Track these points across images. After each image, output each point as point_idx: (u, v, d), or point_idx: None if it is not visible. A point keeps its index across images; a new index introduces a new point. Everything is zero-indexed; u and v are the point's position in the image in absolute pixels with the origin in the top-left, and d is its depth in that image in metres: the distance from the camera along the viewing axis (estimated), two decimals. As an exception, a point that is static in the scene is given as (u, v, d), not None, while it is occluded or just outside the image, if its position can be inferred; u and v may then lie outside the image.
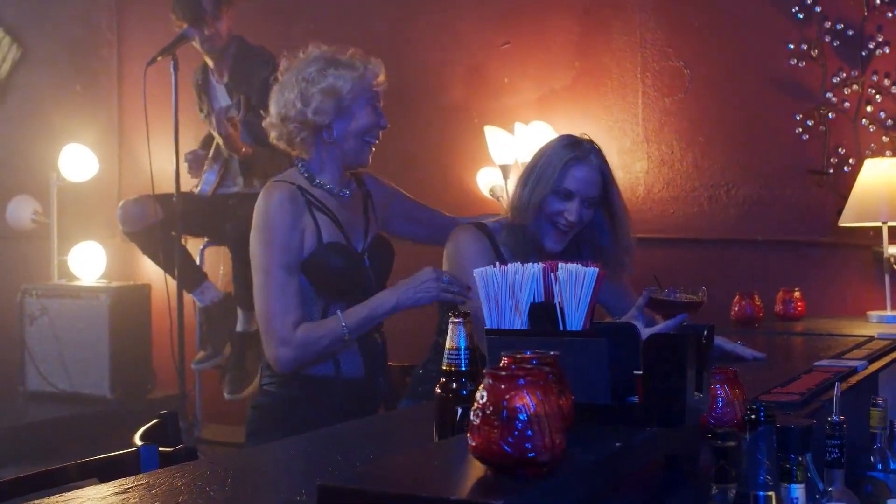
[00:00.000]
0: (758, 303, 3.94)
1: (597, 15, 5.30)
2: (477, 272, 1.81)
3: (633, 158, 5.18)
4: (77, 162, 6.22)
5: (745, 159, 4.94)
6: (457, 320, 1.89)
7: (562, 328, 1.77)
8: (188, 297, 5.22)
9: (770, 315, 4.03)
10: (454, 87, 5.62)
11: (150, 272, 5.68)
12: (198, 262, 5.35)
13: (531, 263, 1.80)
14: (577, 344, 1.73)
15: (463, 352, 1.89)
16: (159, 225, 5.03)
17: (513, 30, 5.48)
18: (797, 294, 4.12)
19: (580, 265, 1.81)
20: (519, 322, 1.79)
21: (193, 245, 5.44)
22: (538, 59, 5.40)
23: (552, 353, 1.55)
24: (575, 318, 1.78)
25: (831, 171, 4.72)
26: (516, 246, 3.15)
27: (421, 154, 5.59)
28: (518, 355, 1.52)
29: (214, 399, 5.22)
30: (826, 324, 4.04)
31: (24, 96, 6.74)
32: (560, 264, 1.82)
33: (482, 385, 1.40)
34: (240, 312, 5.06)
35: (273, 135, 3.18)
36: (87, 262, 6.15)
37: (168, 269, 5.06)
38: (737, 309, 3.97)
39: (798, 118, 4.75)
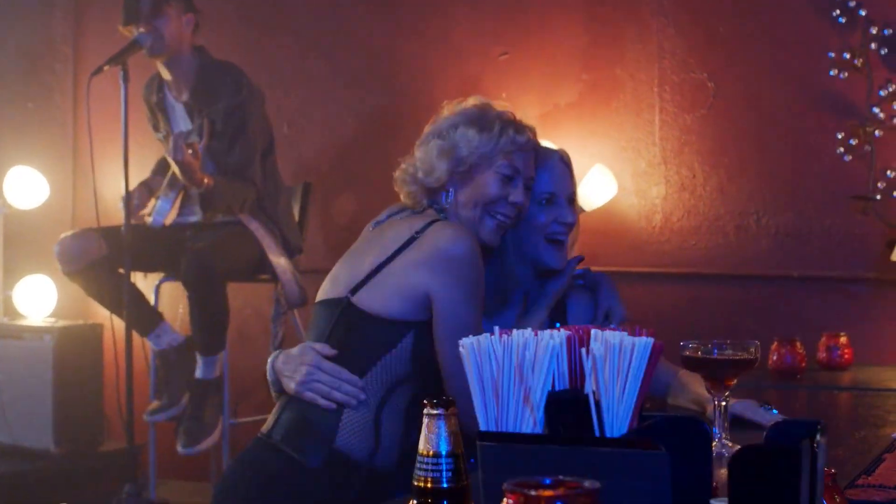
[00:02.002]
0: (800, 350, 3.55)
1: (607, 21, 4.86)
2: (466, 343, 1.17)
3: (649, 183, 4.75)
4: (25, 186, 5.65)
5: (777, 184, 4.60)
6: (435, 412, 1.27)
7: (598, 432, 1.12)
8: (140, 340, 4.71)
9: (811, 364, 3.66)
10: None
11: (107, 310, 5.13)
12: (153, 301, 4.80)
13: (549, 331, 1.16)
14: (624, 459, 1.08)
15: (444, 460, 1.27)
16: (103, 261, 4.51)
17: (512, 39, 5.04)
18: (843, 339, 3.72)
19: (622, 331, 1.17)
20: (530, 421, 1.14)
21: (151, 281, 4.89)
22: (541, 71, 4.97)
23: (588, 482, 0.91)
24: (618, 415, 1.13)
25: (878, 196, 4.45)
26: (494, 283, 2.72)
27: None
28: (531, 486, 0.89)
29: (171, 453, 4.67)
30: (877, 374, 3.71)
31: (-29, 114, 6.18)
32: (594, 331, 1.18)
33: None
34: (199, 358, 4.55)
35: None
36: (35, 299, 5.58)
37: (114, 309, 4.58)
38: (775, 358, 3.57)
39: (840, 137, 4.46)
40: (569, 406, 1.15)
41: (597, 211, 4.64)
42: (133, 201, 4.66)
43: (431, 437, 1.31)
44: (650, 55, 4.75)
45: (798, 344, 3.52)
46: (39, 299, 5.60)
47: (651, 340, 1.18)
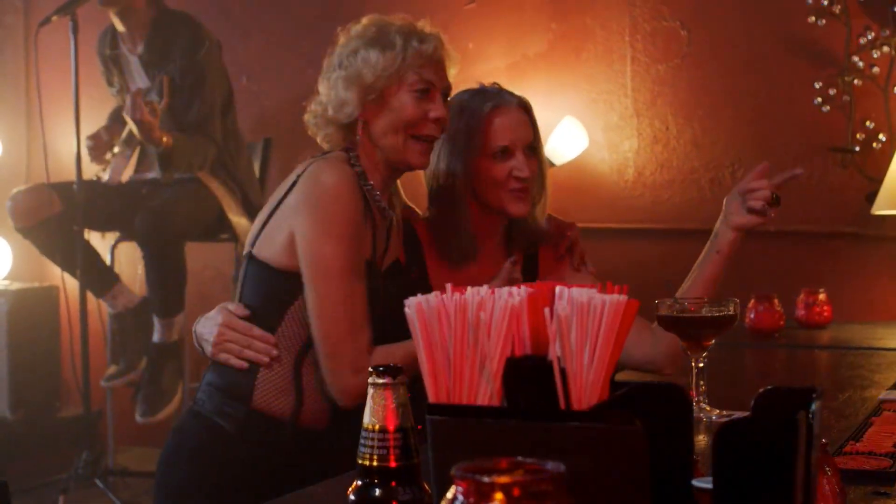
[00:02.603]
0: (778, 308, 3.43)
1: (577, -33, 4.70)
2: (411, 303, 1.01)
3: (620, 136, 4.61)
4: (-25, 144, 5.49)
5: (753, 136, 4.48)
6: (381, 381, 1.12)
7: (563, 404, 0.97)
8: (97, 303, 4.57)
9: (790, 322, 3.54)
10: (410, 55, 4.91)
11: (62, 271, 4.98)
12: (109, 262, 4.65)
13: (507, 289, 1.00)
14: (593, 434, 0.93)
15: (391, 435, 1.12)
16: (56, 218, 4.36)
17: (478, -13, 4.87)
18: (822, 296, 3.62)
19: (591, 289, 1.02)
20: (487, 391, 1.00)
21: (109, 241, 4.76)
22: (508, 20, 4.80)
23: (552, 464, 0.78)
24: (586, 384, 0.98)
25: (858, 148, 4.36)
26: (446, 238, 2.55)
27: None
28: (484, 471, 0.75)
29: (130, 419, 4.54)
30: (858, 332, 3.58)
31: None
32: (559, 289, 1.02)
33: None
34: (156, 321, 4.41)
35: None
36: (-11, 260, 5.43)
37: (68, 268, 4.45)
38: (753, 316, 3.45)
39: (818, 87, 4.33)
40: (530, 374, 1.01)
41: (567, 165, 4.50)
42: (94, 153, 4.55)
43: (377, 409, 1.16)
44: (621, 3, 4.61)
45: (776, 301, 3.41)
46: (-7, 261, 5.45)
47: (624, 298, 1.03)
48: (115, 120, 4.65)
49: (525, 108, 2.56)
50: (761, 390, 1.14)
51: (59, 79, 4.94)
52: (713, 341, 2.28)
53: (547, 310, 0.98)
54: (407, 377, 1.21)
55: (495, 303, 1.00)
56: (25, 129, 5.82)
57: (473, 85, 2.70)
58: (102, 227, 4.66)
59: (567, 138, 4.46)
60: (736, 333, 3.36)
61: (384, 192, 2.45)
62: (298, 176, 2.32)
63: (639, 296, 2.37)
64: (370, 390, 1.16)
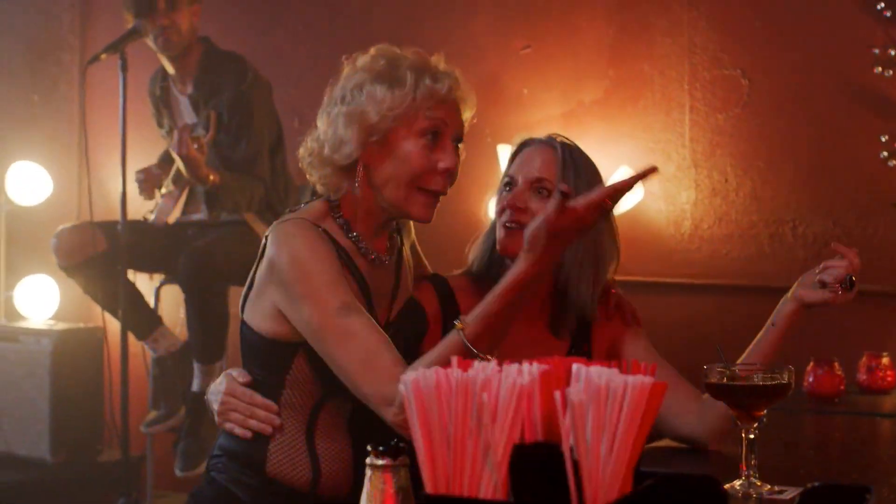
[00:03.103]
0: (838, 372, 3.32)
1: (635, 13, 4.59)
2: (407, 380, 0.90)
3: (678, 187, 4.48)
4: (28, 182, 5.48)
5: (816, 189, 4.34)
6: (379, 463, 1.00)
7: (578, 501, 0.85)
8: (141, 345, 4.55)
9: (851, 387, 3.43)
10: (464, 100, 4.84)
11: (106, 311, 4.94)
12: (152, 304, 4.60)
13: (516, 367, 0.89)
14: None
15: None
16: (101, 258, 4.32)
17: (534, 31, 4.78)
18: (886, 360, 3.50)
19: (608, 368, 0.90)
20: (491, 482, 0.88)
21: (153, 284, 4.74)
22: (564, 66, 4.70)
23: None
24: (604, 478, 0.86)
25: None
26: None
27: (423, 176, 4.84)
28: None
29: (170, 465, 4.51)
30: None
31: (-24, 107, 6.02)
32: (577, 367, 0.90)
33: None
34: (196, 367, 4.34)
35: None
36: (37, 300, 5.40)
37: (110, 308, 4.41)
38: (811, 380, 3.33)
39: (884, 140, 4.19)
40: (540, 465, 0.89)
41: (621, 216, 4.35)
42: (144, 188, 4.54)
43: (374, 493, 1.05)
44: (680, 50, 4.49)
45: (836, 365, 3.30)
46: (41, 300, 5.44)
47: (650, 381, 0.91)
48: (166, 161, 4.62)
49: (550, 145, 2.46)
50: (809, 486, 1.01)
51: (110, 117, 4.92)
52: (765, 411, 2.15)
53: (558, 394, 0.86)
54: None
55: (502, 382, 0.88)
56: (77, 169, 5.81)
57: (526, 132, 2.59)
58: (147, 268, 4.63)
59: (622, 188, 4.34)
60: (793, 398, 3.22)
61: (379, 236, 2.28)
62: (266, 238, 2.19)
63: (693, 355, 2.26)
64: (367, 472, 1.05)
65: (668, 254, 4.44)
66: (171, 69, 4.49)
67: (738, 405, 2.15)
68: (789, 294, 2.47)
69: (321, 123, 2.23)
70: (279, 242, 2.14)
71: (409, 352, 2.29)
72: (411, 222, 2.46)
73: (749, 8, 4.38)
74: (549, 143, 2.45)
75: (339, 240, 2.21)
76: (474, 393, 0.89)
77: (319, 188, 2.26)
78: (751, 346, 2.52)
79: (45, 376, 4.95)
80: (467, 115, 2.26)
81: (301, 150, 2.26)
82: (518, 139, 2.51)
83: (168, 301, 4.88)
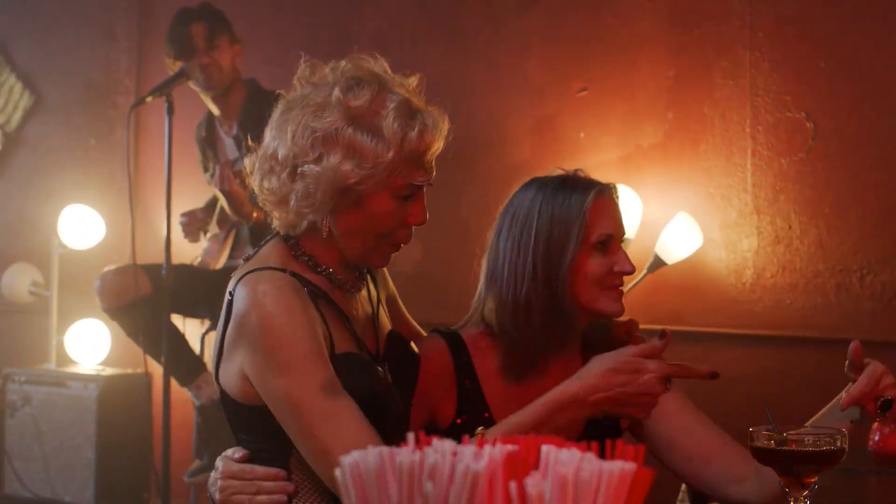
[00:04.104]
0: None
1: (695, 54, 4.41)
2: (345, 463, 0.76)
3: (739, 234, 4.27)
4: (80, 225, 5.44)
5: (884, 237, 4.10)
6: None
7: None
8: (184, 392, 4.43)
9: None
10: (520, 143, 4.74)
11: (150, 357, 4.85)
12: (198, 351, 4.50)
13: (472, 449, 0.74)
14: None
15: None
16: (145, 301, 4.24)
17: (591, 74, 4.61)
18: None
19: (583, 452, 0.76)
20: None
21: (200, 329, 4.64)
22: (622, 109, 4.54)
23: None
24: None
25: None
26: (509, 352, 2.24)
27: (478, 221, 4.66)
28: None
29: None
30: None
31: (34, 150, 6.01)
32: (546, 450, 0.76)
33: None
34: None
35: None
36: (87, 344, 5.35)
37: (152, 353, 4.32)
38: (877, 438, 3.06)
39: None
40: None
41: (680, 264, 4.18)
42: (188, 231, 4.47)
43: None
44: (742, 92, 4.30)
45: (904, 423, 3.03)
46: (92, 345, 5.38)
47: (631, 468, 0.77)
48: (212, 206, 4.56)
49: (616, 197, 2.28)
50: None
51: (161, 160, 4.88)
52: (816, 478, 1.98)
53: (514, 485, 0.72)
54: None
55: (453, 468, 0.74)
56: (130, 212, 5.77)
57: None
58: (191, 313, 4.56)
59: (681, 236, 4.16)
60: (859, 458, 3.03)
61: (347, 266, 2.10)
62: (231, 294, 1.99)
63: (755, 412, 2.10)
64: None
65: (728, 304, 4.23)
66: (215, 110, 4.45)
67: (786, 472, 1.99)
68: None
69: (281, 156, 1.99)
70: (247, 301, 1.95)
71: (405, 392, 2.15)
72: (385, 271, 2.33)
73: (813, 48, 4.19)
74: (613, 192, 2.27)
75: (309, 278, 2.04)
76: (418, 479, 0.75)
77: (276, 225, 2.07)
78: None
79: (92, 423, 4.91)
80: (439, 149, 2.08)
81: (258, 184, 2.04)
82: (592, 190, 2.23)
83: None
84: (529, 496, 0.71)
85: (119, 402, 4.98)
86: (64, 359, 5.37)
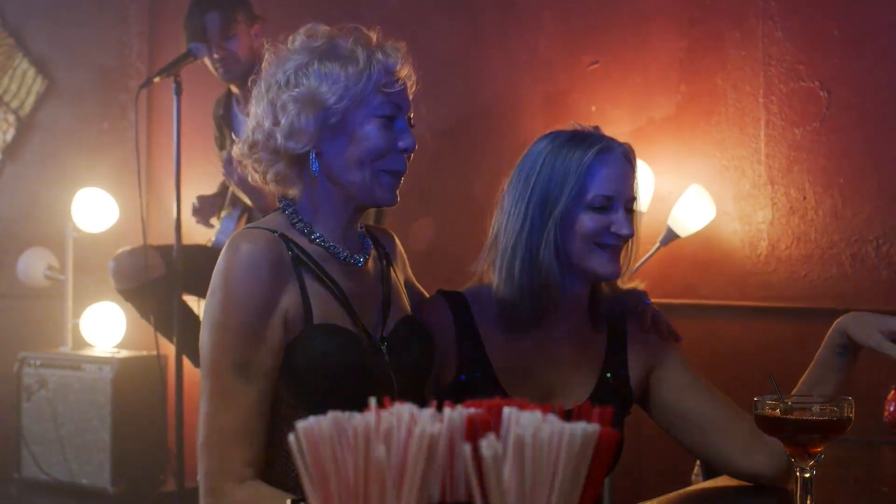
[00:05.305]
0: None
1: (707, 25, 4.34)
2: (300, 428, 0.74)
3: (753, 206, 4.21)
4: (94, 209, 5.43)
5: (900, 207, 4.05)
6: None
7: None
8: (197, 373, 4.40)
9: None
10: (532, 117, 4.68)
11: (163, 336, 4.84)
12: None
13: (430, 412, 0.72)
14: None
15: None
16: (160, 282, 4.21)
17: (603, 47, 4.55)
18: None
19: (546, 412, 0.73)
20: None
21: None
22: (634, 81, 4.48)
23: None
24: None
25: None
26: (510, 307, 2.23)
27: (490, 197, 4.60)
28: None
29: None
30: None
31: (48, 134, 6.01)
32: (506, 411, 0.73)
33: None
34: None
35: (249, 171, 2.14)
36: (103, 327, 5.34)
37: (164, 332, 4.28)
38: (893, 409, 3.07)
39: None
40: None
41: (693, 237, 4.13)
42: (199, 214, 4.46)
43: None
44: (755, 62, 4.22)
45: (921, 392, 3.01)
46: (107, 328, 5.38)
47: (594, 429, 0.74)
48: (223, 193, 4.53)
49: (629, 159, 2.23)
50: None
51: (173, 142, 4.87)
52: (822, 448, 1.95)
53: (468, 447, 0.69)
54: None
55: (410, 434, 0.72)
56: (145, 195, 5.75)
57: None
58: (204, 293, 4.51)
59: (694, 208, 4.11)
60: (873, 429, 2.99)
61: (348, 235, 2.12)
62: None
63: (769, 383, 2.07)
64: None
65: (743, 276, 4.18)
66: (235, 89, 4.42)
67: (792, 441, 1.95)
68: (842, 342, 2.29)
69: (259, 112, 2.05)
70: (224, 254, 2.01)
71: (411, 380, 2.13)
72: (404, 256, 2.32)
73: (826, 17, 4.11)
74: (627, 155, 2.22)
75: (302, 245, 2.05)
76: (374, 446, 0.73)
77: (272, 186, 2.09)
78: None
79: (107, 405, 4.91)
80: (412, 89, 2.13)
81: (237, 149, 2.09)
82: (596, 148, 2.19)
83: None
84: (485, 458, 0.69)
85: (134, 384, 4.98)
86: (79, 342, 5.38)
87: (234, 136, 4.35)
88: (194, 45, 4.19)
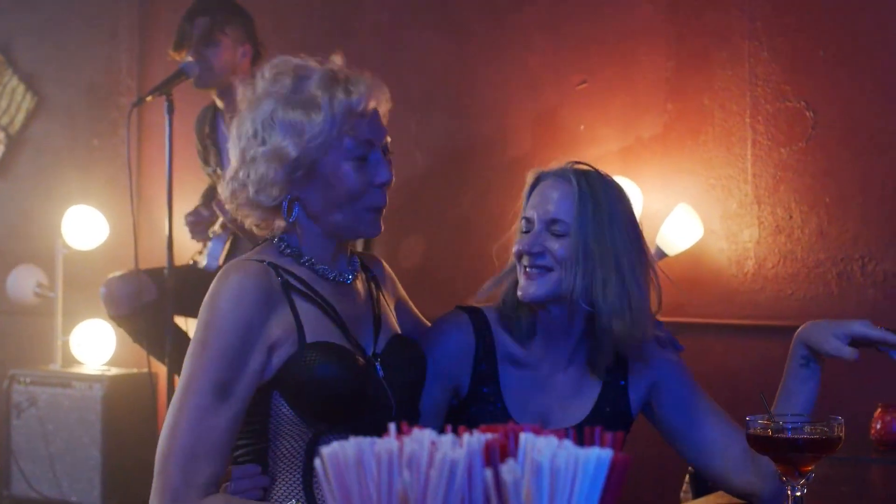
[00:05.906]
0: None
1: (694, 45, 4.39)
2: (325, 454, 0.77)
3: (740, 225, 4.25)
4: (84, 226, 5.44)
5: (885, 225, 4.06)
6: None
7: None
8: None
9: None
10: (520, 136, 4.73)
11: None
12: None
13: (451, 438, 0.75)
14: None
15: None
16: (152, 306, 4.21)
17: (591, 66, 4.59)
18: None
19: (560, 439, 0.76)
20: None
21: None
22: (622, 101, 4.52)
23: None
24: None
25: None
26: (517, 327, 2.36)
27: (478, 217, 4.70)
28: None
29: None
30: None
31: (37, 151, 6.01)
32: (524, 437, 0.76)
33: None
34: None
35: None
36: (92, 344, 5.35)
37: (156, 354, 4.29)
38: (879, 427, 3.13)
39: None
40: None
41: (681, 255, 4.18)
42: (195, 231, 4.45)
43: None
44: (741, 82, 4.26)
45: (907, 409, 3.05)
46: (97, 345, 5.38)
47: (608, 455, 0.77)
48: (209, 198, 4.54)
49: (568, 179, 2.25)
50: None
51: (164, 160, 4.89)
52: (812, 467, 1.99)
53: (489, 472, 0.72)
54: None
55: (432, 460, 0.75)
56: (136, 213, 5.76)
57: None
58: (195, 314, 4.52)
59: (681, 227, 4.15)
60: (860, 446, 3.03)
61: (336, 259, 2.15)
62: None
63: (757, 402, 2.10)
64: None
65: (730, 294, 4.22)
66: (220, 104, 4.43)
67: (783, 460, 1.99)
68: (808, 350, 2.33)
69: (235, 161, 2.09)
70: (215, 283, 2.04)
71: (406, 395, 2.17)
72: (394, 277, 2.36)
73: (812, 37, 4.15)
74: (564, 175, 2.26)
75: (293, 270, 2.09)
76: (399, 472, 0.76)
77: (256, 231, 2.14)
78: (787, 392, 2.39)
79: (97, 422, 4.92)
80: (386, 111, 2.14)
81: (223, 194, 2.12)
82: (532, 173, 2.31)
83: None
84: (505, 483, 0.72)
85: (124, 401, 4.99)
86: (69, 359, 5.38)
87: (220, 156, 4.39)
88: (186, 64, 4.21)
